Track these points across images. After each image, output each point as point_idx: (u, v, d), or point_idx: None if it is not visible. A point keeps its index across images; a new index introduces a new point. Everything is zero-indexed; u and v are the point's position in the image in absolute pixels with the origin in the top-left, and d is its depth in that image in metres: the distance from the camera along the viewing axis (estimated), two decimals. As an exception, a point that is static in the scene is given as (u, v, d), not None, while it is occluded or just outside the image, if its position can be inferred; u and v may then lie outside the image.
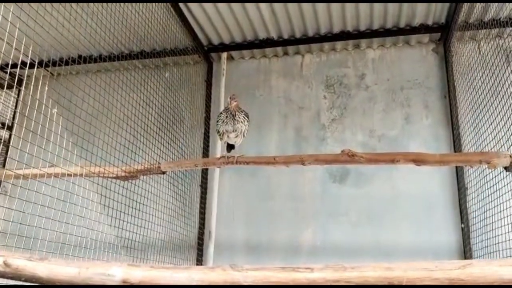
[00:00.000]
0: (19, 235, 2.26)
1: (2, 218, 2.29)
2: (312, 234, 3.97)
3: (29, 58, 2.27)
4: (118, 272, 1.22)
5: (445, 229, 3.75)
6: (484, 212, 3.37)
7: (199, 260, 4.03)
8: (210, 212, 4.17)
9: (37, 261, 1.30)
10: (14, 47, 2.14)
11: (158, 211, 3.59)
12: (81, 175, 2.85)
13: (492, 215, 3.23)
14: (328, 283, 1.12)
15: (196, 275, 1.18)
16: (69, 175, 2.80)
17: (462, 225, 3.68)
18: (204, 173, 4.34)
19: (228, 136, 3.14)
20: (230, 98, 3.07)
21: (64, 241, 2.56)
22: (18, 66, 2.25)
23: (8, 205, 2.32)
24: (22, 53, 2.20)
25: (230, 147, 3.33)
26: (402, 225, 3.81)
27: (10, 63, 3.07)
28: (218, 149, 4.28)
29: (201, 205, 4.21)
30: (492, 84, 3.21)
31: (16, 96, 4.13)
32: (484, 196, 3.35)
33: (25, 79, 3.00)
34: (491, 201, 3.23)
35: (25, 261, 1.30)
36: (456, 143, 3.87)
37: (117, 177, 3.15)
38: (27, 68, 2.32)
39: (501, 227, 3.05)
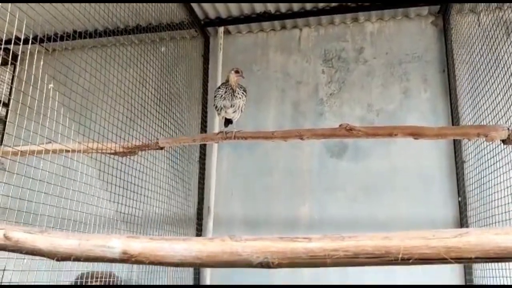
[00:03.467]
0: (18, 210, 2.27)
1: (1, 193, 2.30)
2: (309, 208, 3.99)
3: (23, 34, 2.24)
4: (118, 244, 1.23)
5: (442, 202, 3.78)
6: (481, 185, 3.39)
7: (198, 235, 4.07)
8: (208, 188, 4.18)
9: (37, 234, 1.31)
10: (7, 21, 2.11)
11: (157, 186, 3.60)
12: (79, 151, 2.85)
13: (489, 188, 3.25)
14: (326, 253, 1.13)
15: (195, 246, 1.19)
16: (67, 151, 2.80)
17: (459, 199, 3.71)
18: (202, 148, 4.34)
19: (226, 112, 3.13)
20: (235, 71, 3.05)
21: (63, 216, 2.58)
22: (12, 42, 2.22)
23: (7, 181, 2.32)
24: (15, 28, 2.17)
25: (228, 122, 3.33)
26: (399, 199, 3.84)
27: (3, 38, 3.03)
28: (216, 124, 4.26)
29: (199, 180, 4.23)
30: (491, 57, 3.19)
31: (11, 72, 4.09)
32: (481, 169, 3.37)
33: (19, 55, 2.96)
34: (488, 174, 3.25)
35: (26, 234, 1.31)
36: (454, 117, 3.87)
37: (115, 153, 3.14)
38: (21, 44, 2.29)
39: (497, 199, 3.08)
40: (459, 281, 3.59)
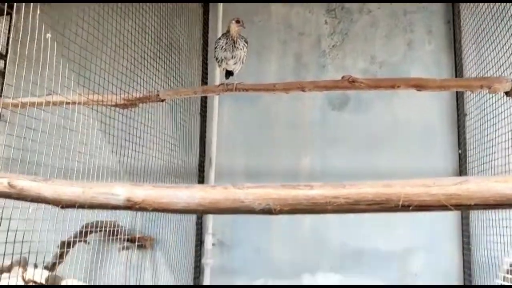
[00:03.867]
0: (21, 161, 2.29)
1: (3, 144, 2.31)
2: (311, 161, 4.02)
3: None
4: (122, 191, 1.24)
5: (443, 155, 3.81)
6: (482, 138, 3.40)
7: (200, 186, 4.11)
8: (210, 140, 4.19)
9: (41, 182, 1.32)
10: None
11: (159, 138, 3.62)
12: (79, 102, 2.83)
13: (490, 141, 3.26)
14: (327, 200, 1.14)
15: (198, 193, 1.21)
16: (68, 103, 2.78)
17: (460, 151, 3.73)
18: (203, 101, 4.32)
19: (226, 63, 3.09)
20: (236, 21, 2.99)
21: (66, 168, 2.60)
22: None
23: (8, 132, 2.32)
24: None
25: (229, 73, 3.29)
26: (400, 152, 3.85)
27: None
28: (216, 76, 4.22)
29: (201, 133, 4.23)
30: (498, 7, 3.12)
31: (8, 22, 4.01)
32: (483, 122, 3.37)
33: (15, 4, 2.90)
34: (489, 127, 3.26)
35: (30, 182, 1.32)
36: (458, 70, 3.83)
37: (116, 105, 3.13)
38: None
39: (498, 151, 3.09)
40: (456, 228, 3.67)
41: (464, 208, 1.09)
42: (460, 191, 1.08)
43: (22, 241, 2.20)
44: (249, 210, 1.17)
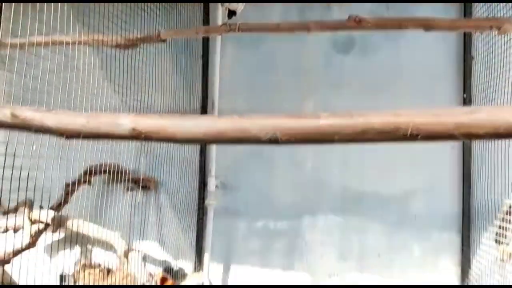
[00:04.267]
0: (23, 100, 2.27)
1: (4, 81, 2.28)
2: (314, 105, 3.99)
3: None
4: (127, 121, 1.23)
5: (447, 99, 3.78)
6: (488, 81, 3.37)
7: (203, 130, 4.10)
8: (212, 84, 4.13)
9: (45, 112, 1.30)
10: None
11: (161, 80, 3.59)
12: (80, 42, 2.78)
13: (495, 84, 3.23)
14: (334, 129, 1.13)
15: (203, 123, 1.19)
16: (68, 42, 2.74)
17: (464, 95, 3.69)
18: (205, 44, 4.22)
19: (229, 2, 3.01)
20: None
21: (69, 107, 2.58)
22: None
23: (8, 71, 2.29)
24: None
25: (232, 14, 3.21)
26: (404, 95, 3.82)
27: None
28: (219, 17, 4.08)
29: (203, 76, 4.17)
30: None
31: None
32: (490, 65, 3.33)
33: None
34: (496, 70, 3.22)
35: (33, 112, 1.30)
36: (466, 12, 3.74)
37: (117, 45, 3.08)
38: None
39: (504, 95, 3.07)
40: (457, 170, 3.70)
41: (474, 137, 1.08)
42: (471, 120, 1.06)
43: (27, 178, 2.22)
44: (255, 140, 1.15)
